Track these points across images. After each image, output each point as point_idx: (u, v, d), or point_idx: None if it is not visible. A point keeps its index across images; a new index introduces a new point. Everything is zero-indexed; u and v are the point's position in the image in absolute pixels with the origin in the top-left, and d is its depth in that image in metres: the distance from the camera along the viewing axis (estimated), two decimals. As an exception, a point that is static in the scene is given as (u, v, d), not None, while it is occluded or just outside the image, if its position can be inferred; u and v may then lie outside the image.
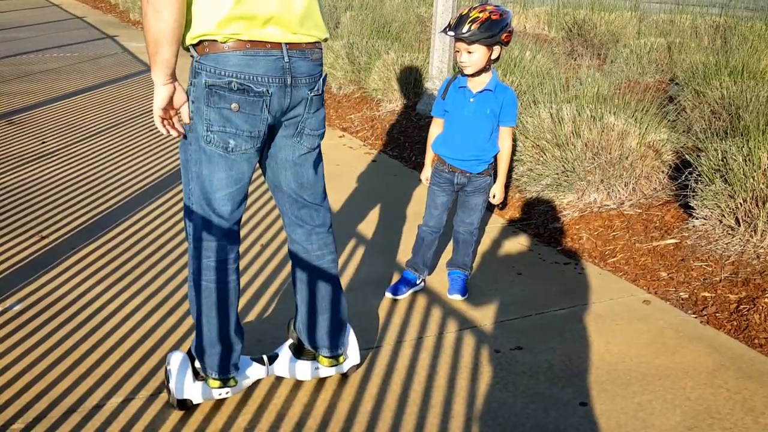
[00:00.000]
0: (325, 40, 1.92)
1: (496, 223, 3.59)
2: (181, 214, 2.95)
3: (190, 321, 2.57)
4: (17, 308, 2.66)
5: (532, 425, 2.04)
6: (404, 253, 3.19)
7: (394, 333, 2.53)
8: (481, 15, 2.45)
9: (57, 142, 4.90)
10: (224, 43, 1.73)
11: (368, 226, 3.53)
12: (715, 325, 2.62)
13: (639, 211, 3.48)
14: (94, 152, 4.68)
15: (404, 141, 4.93)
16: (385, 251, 3.22)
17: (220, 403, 2.12)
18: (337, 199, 3.88)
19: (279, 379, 2.25)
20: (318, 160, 2.01)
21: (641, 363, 2.37)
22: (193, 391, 2.01)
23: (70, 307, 2.68)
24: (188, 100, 1.80)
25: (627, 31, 6.83)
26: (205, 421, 2.04)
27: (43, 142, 4.87)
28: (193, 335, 2.00)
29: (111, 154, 4.63)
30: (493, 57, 2.52)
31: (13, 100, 6.13)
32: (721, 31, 6.61)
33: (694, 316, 2.69)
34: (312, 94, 1.87)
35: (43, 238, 3.31)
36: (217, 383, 1.99)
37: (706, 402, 2.17)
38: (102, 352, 2.38)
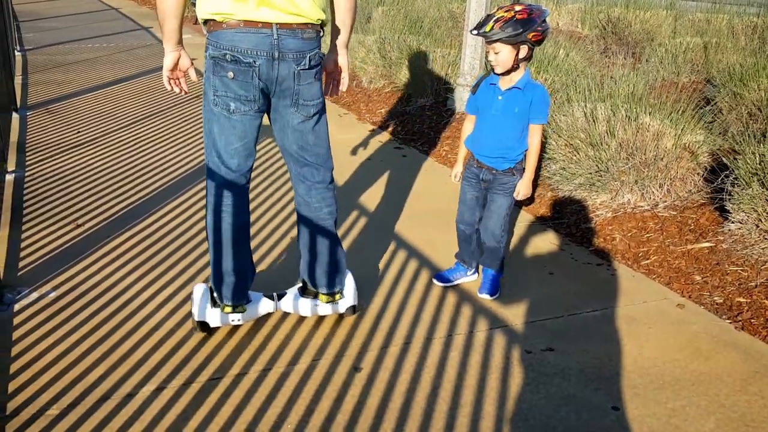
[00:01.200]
0: (321, 22, 2.19)
1: (527, 220, 3.55)
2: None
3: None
4: (52, 295, 2.70)
5: (564, 428, 2.01)
6: (436, 249, 3.17)
7: (423, 329, 2.51)
8: (506, 14, 2.43)
9: (92, 131, 4.96)
10: (222, 22, 2.12)
11: (401, 222, 3.51)
12: (750, 331, 2.55)
13: (673, 213, 3.42)
14: (128, 142, 4.72)
15: (434, 136, 4.90)
16: (418, 247, 3.20)
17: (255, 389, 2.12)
18: (368, 193, 3.87)
19: (316, 399, 2.24)
20: (318, 127, 2.31)
21: (675, 368, 2.32)
22: (210, 315, 2.40)
23: (104, 295, 2.70)
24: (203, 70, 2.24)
25: (662, 30, 6.70)
26: (236, 413, 2.04)
27: (78, 132, 4.93)
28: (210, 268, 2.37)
29: (145, 144, 4.67)
30: (522, 56, 2.48)
31: (50, 90, 6.21)
32: (759, 31, 6.46)
33: (729, 321, 2.63)
34: (299, 68, 2.17)
35: (79, 226, 3.35)
36: (229, 309, 2.39)
37: (740, 409, 2.11)
38: (135, 340, 2.40)
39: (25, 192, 3.76)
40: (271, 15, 2.11)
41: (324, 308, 2.50)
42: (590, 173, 3.60)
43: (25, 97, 5.88)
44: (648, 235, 3.28)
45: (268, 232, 3.30)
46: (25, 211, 3.50)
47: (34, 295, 2.69)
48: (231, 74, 2.15)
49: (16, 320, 2.51)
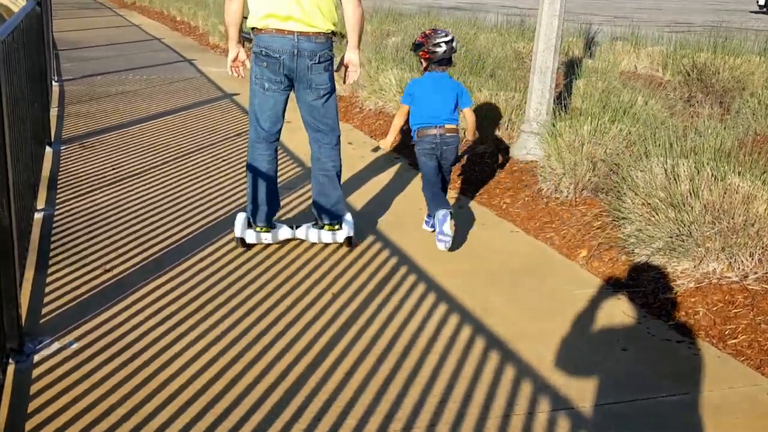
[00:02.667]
0: (332, 32, 3.58)
1: (597, 286, 3.49)
2: (254, 252, 3.78)
3: (259, 366, 2.59)
4: (75, 347, 2.75)
5: None
6: (496, 314, 3.13)
7: (478, 405, 2.47)
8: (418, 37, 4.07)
9: (128, 168, 5.12)
10: (261, 30, 3.55)
11: (460, 284, 3.48)
12: None
13: (766, 286, 3.31)
14: (166, 180, 4.85)
15: (494, 186, 4.90)
16: (475, 312, 3.17)
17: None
18: (422, 250, 3.87)
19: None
20: (327, 104, 3.72)
21: (768, 468, 2.22)
22: (246, 233, 3.76)
23: (130, 347, 2.75)
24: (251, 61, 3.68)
25: (755, 79, 6.61)
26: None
27: (114, 168, 5.09)
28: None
29: (184, 183, 4.79)
30: (425, 66, 4.03)
31: (87, 122, 6.46)
32: None
33: (833, 416, 2.50)
34: (311, 63, 3.57)
35: (107, 270, 3.43)
36: (259, 228, 3.77)
37: None
38: (163, 397, 2.42)
39: (53, 232, 3.89)
40: (294, 26, 3.53)
41: (326, 236, 3.82)
42: (670, 237, 3.54)
43: (59, 130, 6.13)
44: (736, 310, 3.18)
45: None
46: (51, 253, 3.61)
47: (56, 345, 2.75)
48: (265, 64, 3.59)
49: (36, 372, 2.57)
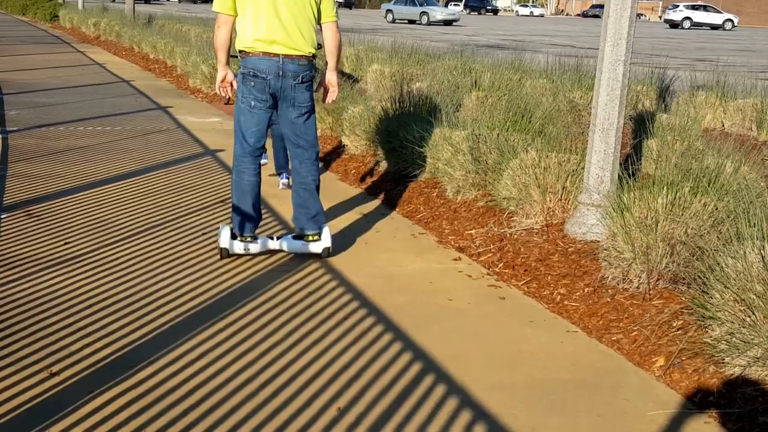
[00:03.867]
0: (312, 54, 4.86)
1: (678, 404, 3.43)
2: (234, 355, 3.77)
3: None
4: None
5: None
6: (542, 441, 3.07)
7: None
8: None
9: (83, 243, 5.17)
10: (249, 53, 4.77)
11: (501, 399, 3.45)
12: None
13: None
14: (128, 260, 4.90)
15: (546, 273, 4.89)
16: (515, 436, 3.12)
17: None
18: (451, 353, 3.84)
19: None
20: (308, 122, 4.99)
21: None
22: (230, 244, 4.97)
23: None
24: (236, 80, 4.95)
25: None
26: None
27: (66, 243, 5.15)
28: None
29: (150, 265, 4.83)
30: None
31: (35, 185, 6.57)
32: None
33: None
34: (294, 83, 4.83)
35: (53, 374, 3.43)
36: (243, 238, 4.99)
37: None
38: None
39: (-12, 323, 3.91)
40: (279, 49, 4.79)
41: (306, 247, 5.09)
42: (772, 342, 3.49)
43: (1, 194, 6.23)
44: None
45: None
46: (-15, 350, 3.62)
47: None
48: (252, 84, 4.83)
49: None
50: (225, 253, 5.01)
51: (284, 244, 5.11)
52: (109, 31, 23.03)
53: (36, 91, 12.23)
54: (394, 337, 3.99)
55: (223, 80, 5.00)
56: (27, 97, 11.52)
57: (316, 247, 5.08)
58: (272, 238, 5.15)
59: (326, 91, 5.20)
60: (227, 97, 5.09)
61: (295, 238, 5.14)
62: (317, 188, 5.11)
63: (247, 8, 4.81)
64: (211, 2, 5.07)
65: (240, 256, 5.06)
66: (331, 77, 5.14)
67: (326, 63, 5.14)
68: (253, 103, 4.88)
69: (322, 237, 5.08)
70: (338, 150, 8.20)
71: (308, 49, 4.88)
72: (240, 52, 4.87)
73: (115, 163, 7.52)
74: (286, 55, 4.81)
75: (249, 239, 5.04)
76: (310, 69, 4.94)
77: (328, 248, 5.09)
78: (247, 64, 4.84)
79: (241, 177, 5.02)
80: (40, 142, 8.37)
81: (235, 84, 5.01)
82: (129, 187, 6.64)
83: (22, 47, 20.12)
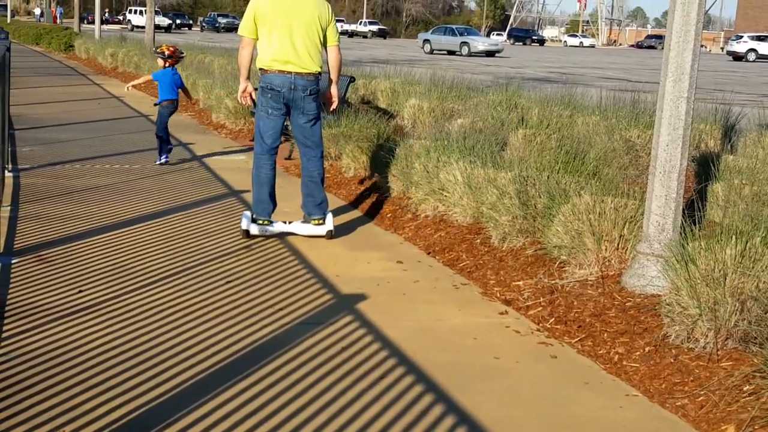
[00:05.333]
0: (318, 71, 6.63)
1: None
2: (260, 417, 3.76)
3: None
4: None
5: None
6: None
7: None
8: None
9: (98, 291, 5.21)
10: (267, 70, 6.59)
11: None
12: None
13: None
14: (147, 310, 4.92)
15: (602, 329, 4.84)
16: None
17: None
18: (493, 415, 3.80)
19: None
20: (314, 127, 6.74)
21: None
22: (251, 226, 6.64)
23: None
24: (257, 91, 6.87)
25: None
26: None
27: (80, 291, 5.19)
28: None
29: (170, 315, 4.84)
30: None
31: (47, 228, 6.65)
32: None
33: None
34: (304, 95, 6.55)
35: (66, 435, 3.44)
36: (260, 221, 6.66)
37: None
38: None
39: (-4, 378, 3.93)
40: (292, 68, 6.49)
41: (313, 229, 6.70)
42: None
43: (11, 238, 6.32)
44: None
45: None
46: (-8, 408, 3.64)
47: None
48: (269, 95, 6.53)
49: None
50: (246, 235, 6.61)
51: (295, 227, 6.75)
52: (128, 62, 23.43)
53: (49, 126, 12.43)
54: (435, 398, 3.96)
55: (244, 91, 6.81)
56: (40, 133, 11.72)
57: (321, 230, 6.73)
58: (285, 223, 6.78)
59: (329, 101, 6.93)
60: (247, 105, 7.29)
61: (304, 222, 6.81)
62: (322, 180, 6.83)
63: (267, 34, 6.52)
64: (235, 31, 7.08)
65: (266, 305, 5.02)
66: (332, 90, 6.92)
67: (330, 79, 6.88)
68: (270, 111, 6.58)
69: (326, 221, 6.75)
70: (372, 191, 8.22)
71: (315, 68, 6.59)
72: (260, 69, 6.62)
73: (133, 204, 7.60)
74: (297, 73, 6.50)
75: (266, 223, 6.65)
76: (316, 83, 6.64)
77: (331, 231, 6.74)
78: (265, 80, 6.55)
79: (260, 171, 6.66)
80: (54, 181, 8.49)
81: (254, 95, 6.83)
82: (147, 231, 6.70)
83: (35, 79, 20.52)
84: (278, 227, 6.69)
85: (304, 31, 6.50)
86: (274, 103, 6.52)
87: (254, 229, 6.60)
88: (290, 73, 6.47)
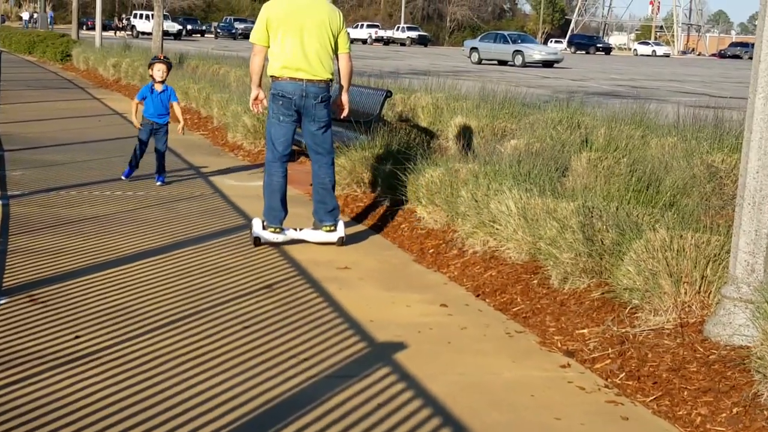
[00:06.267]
0: (329, 79, 7.65)
1: None
2: None
3: None
4: None
5: None
6: None
7: None
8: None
9: (98, 337, 5.23)
10: (279, 78, 7.61)
11: None
12: None
13: None
14: (152, 359, 4.93)
15: (681, 386, 4.80)
16: None
17: None
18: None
19: None
20: (325, 133, 7.73)
21: None
22: (261, 233, 7.57)
23: None
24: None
25: None
26: None
27: (77, 336, 5.21)
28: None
29: (179, 365, 4.85)
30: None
31: (40, 263, 6.70)
32: None
33: None
34: (315, 102, 7.55)
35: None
36: (271, 229, 7.59)
37: None
38: None
39: (-19, 436, 3.95)
40: (303, 75, 7.49)
41: (324, 236, 7.68)
42: None
43: (0, 274, 6.36)
44: None
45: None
46: (-24, 471, 3.66)
47: None
48: (281, 102, 7.53)
49: None
50: (257, 242, 7.49)
51: (306, 234, 7.63)
52: (132, 74, 23.69)
53: (44, 147, 12.57)
54: (486, 465, 3.94)
55: (255, 98, 7.75)
56: (33, 155, 11.85)
57: (332, 237, 7.61)
58: (296, 230, 7.66)
59: (340, 108, 7.82)
60: (258, 112, 8.13)
61: (315, 229, 7.71)
62: (333, 187, 7.76)
63: (278, 42, 7.42)
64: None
65: (291, 352, 5.01)
66: (343, 97, 7.83)
67: (341, 86, 7.82)
68: (281, 117, 7.50)
69: (337, 228, 7.62)
70: (412, 223, 8.23)
71: (326, 75, 7.52)
72: (271, 76, 7.51)
73: (137, 237, 7.65)
74: (308, 80, 7.41)
75: (277, 230, 7.49)
76: (327, 91, 7.58)
77: (342, 237, 7.62)
78: (276, 87, 7.47)
79: (272, 179, 7.60)
80: (48, 210, 8.56)
81: (265, 102, 7.76)
82: (153, 268, 6.73)
83: (28, 93, 20.80)
84: (289, 234, 7.55)
85: (316, 38, 7.41)
86: (286, 110, 7.44)
87: (266, 236, 7.46)
88: (301, 80, 7.39)
